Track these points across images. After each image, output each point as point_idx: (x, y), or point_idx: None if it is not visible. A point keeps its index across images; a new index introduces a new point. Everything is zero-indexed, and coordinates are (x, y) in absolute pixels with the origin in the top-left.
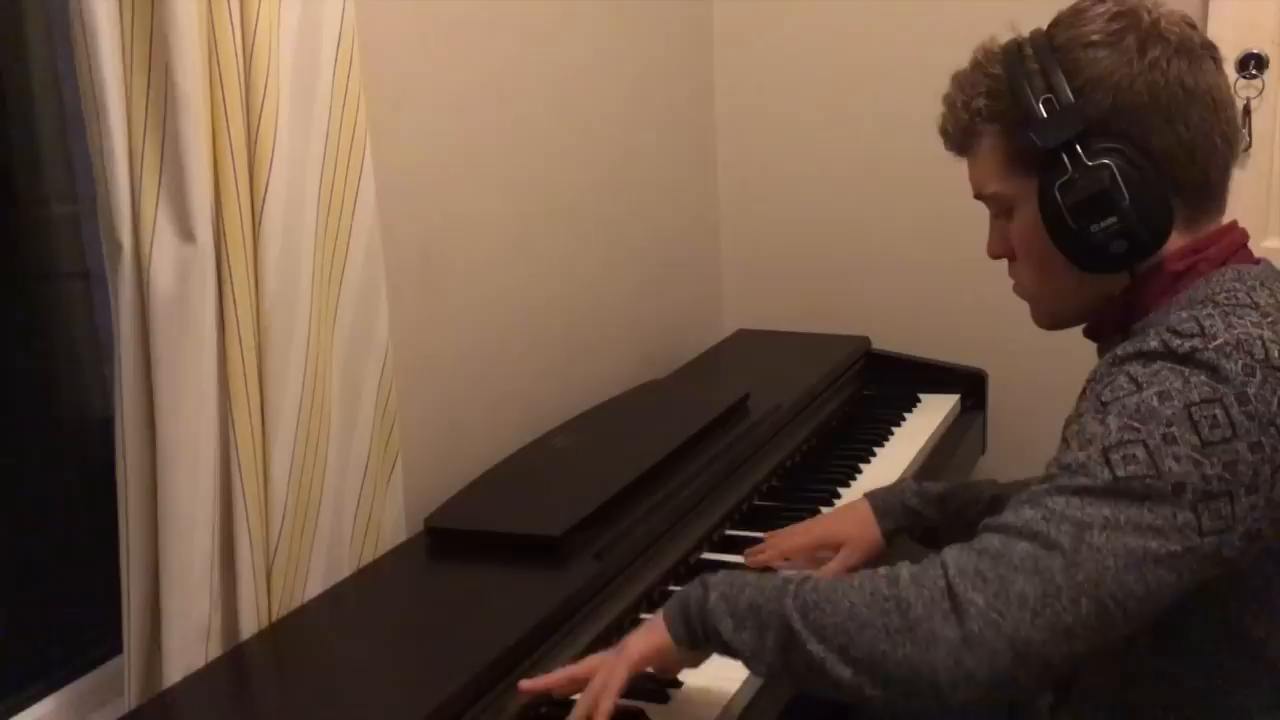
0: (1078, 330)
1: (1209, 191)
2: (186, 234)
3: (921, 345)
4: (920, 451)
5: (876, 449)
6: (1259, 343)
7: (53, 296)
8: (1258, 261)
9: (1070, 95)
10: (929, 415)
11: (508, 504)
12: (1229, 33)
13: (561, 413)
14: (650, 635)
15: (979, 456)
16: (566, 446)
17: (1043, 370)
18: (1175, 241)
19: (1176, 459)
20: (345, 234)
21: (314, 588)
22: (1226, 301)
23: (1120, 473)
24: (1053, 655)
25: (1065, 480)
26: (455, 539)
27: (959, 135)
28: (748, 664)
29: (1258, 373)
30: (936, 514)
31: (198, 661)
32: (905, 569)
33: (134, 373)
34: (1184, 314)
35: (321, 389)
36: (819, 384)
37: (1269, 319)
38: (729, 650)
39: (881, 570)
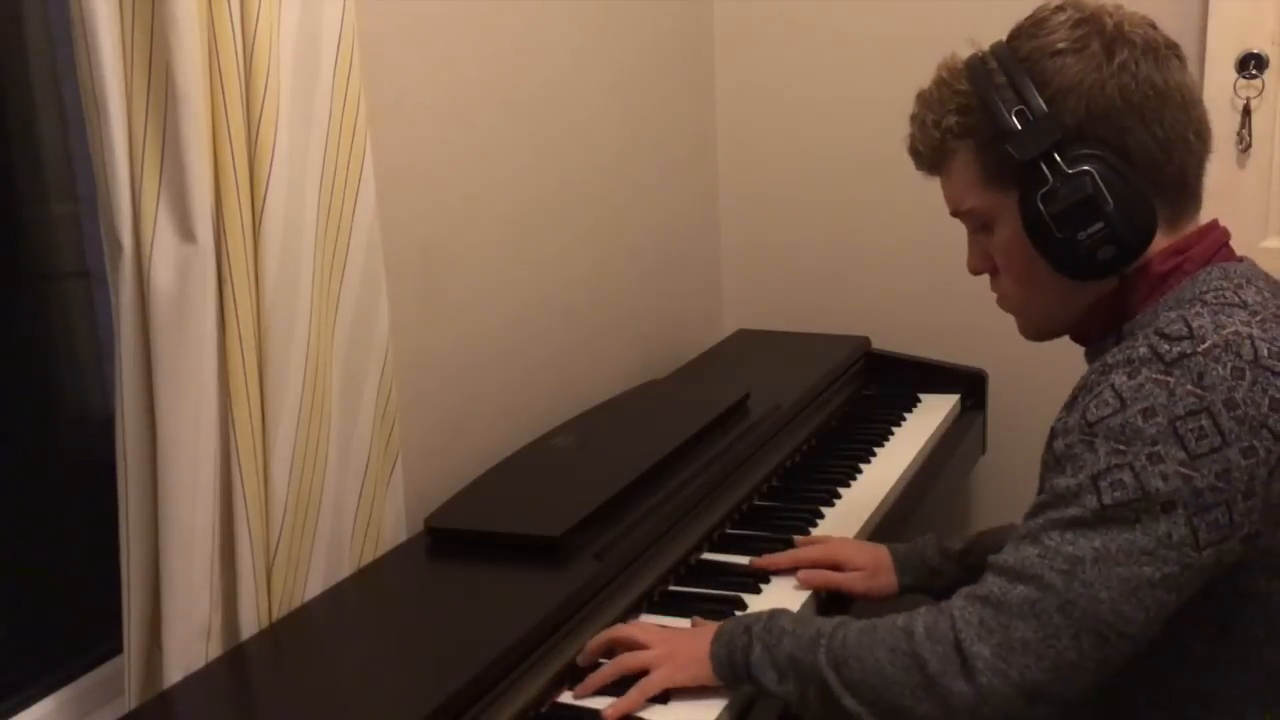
0: (1072, 340)
1: (1187, 190)
2: (186, 234)
3: (921, 345)
4: (920, 451)
5: (876, 449)
6: (1248, 342)
7: (53, 296)
8: (1240, 259)
9: (1043, 105)
10: (929, 415)
11: (508, 504)
12: (1229, 33)
13: (561, 413)
14: (698, 667)
15: (979, 456)
16: (566, 446)
17: (1043, 370)
18: (1159, 242)
19: (1164, 477)
20: (345, 234)
21: (314, 588)
22: (1215, 300)
23: (1107, 500)
24: (1064, 691)
25: (1058, 512)
26: (455, 539)
27: (931, 154)
28: (795, 710)
29: (1247, 374)
30: (957, 571)
31: (198, 661)
32: (920, 623)
33: (134, 373)
34: (1172, 314)
35: (321, 389)
36: (819, 384)
37: (1257, 317)
38: (775, 697)
39: (900, 622)
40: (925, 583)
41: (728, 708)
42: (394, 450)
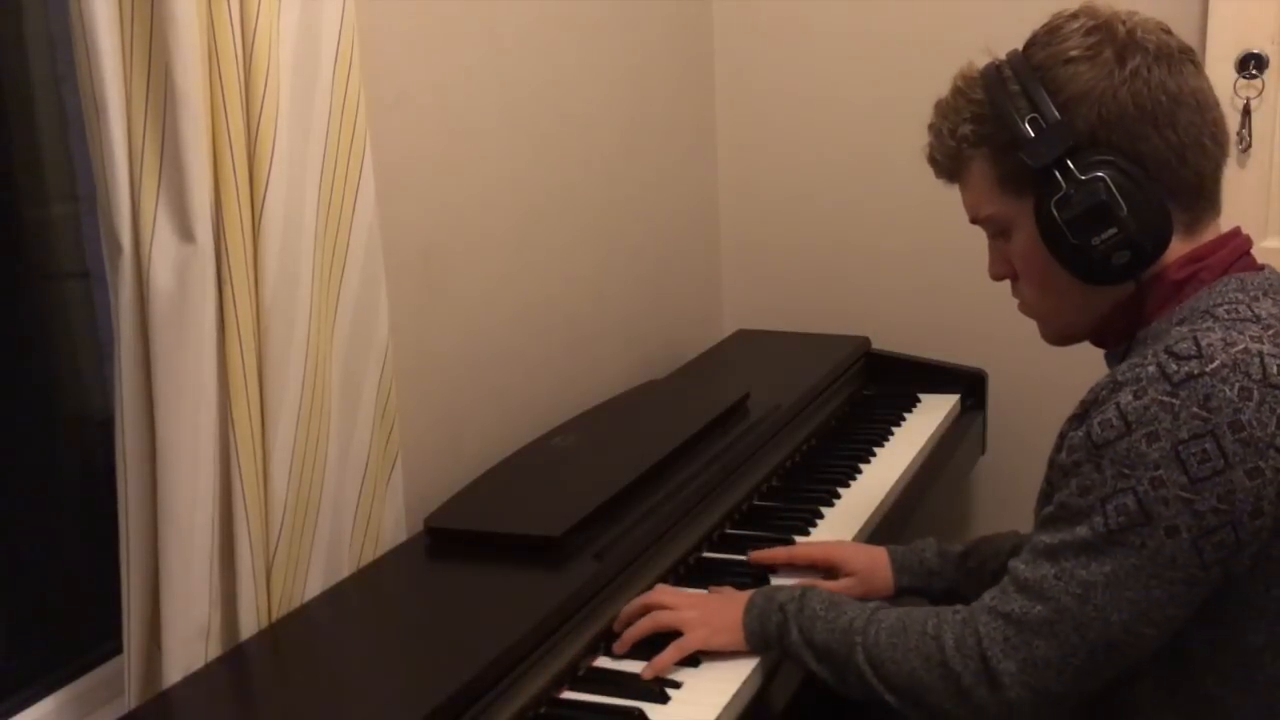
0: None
1: (1203, 194)
2: (186, 234)
3: (921, 345)
4: (920, 451)
5: (876, 449)
6: (1257, 360)
7: (53, 296)
8: (1261, 268)
9: (1056, 112)
10: (929, 415)
11: (508, 504)
12: (1229, 33)
13: (561, 413)
14: (731, 634)
15: (979, 456)
16: (566, 446)
17: (1043, 370)
18: (1177, 249)
19: (1165, 503)
20: (345, 234)
21: (314, 588)
22: (1227, 316)
23: (1114, 524)
24: (1084, 692)
25: (1070, 532)
26: (455, 539)
27: (948, 163)
28: (833, 688)
29: (1254, 394)
30: (956, 574)
31: (198, 661)
32: (949, 635)
33: (134, 373)
34: (1184, 329)
35: (321, 389)
36: (819, 384)
37: (1270, 331)
38: (811, 673)
39: (930, 629)
40: (923, 584)
41: (755, 670)
42: (394, 450)
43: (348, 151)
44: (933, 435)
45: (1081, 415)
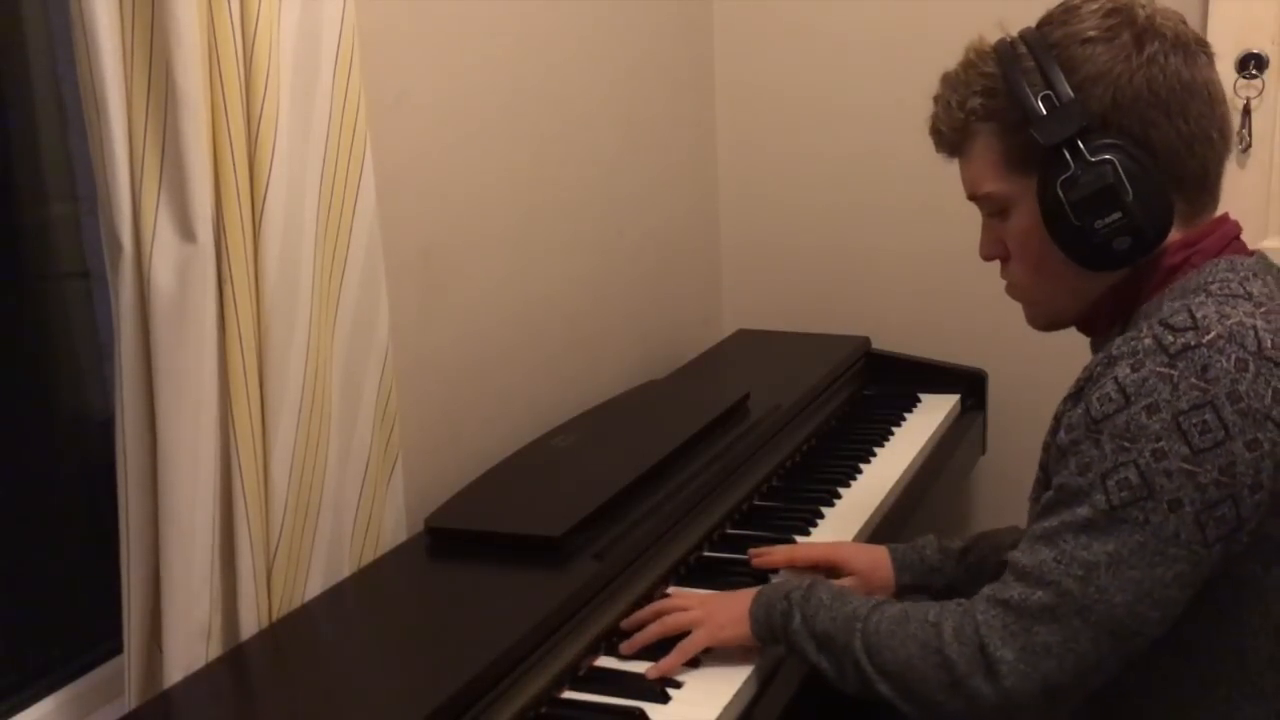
0: (1078, 330)
1: (1206, 185)
2: (186, 234)
3: (921, 345)
4: (920, 451)
5: (876, 449)
6: (1252, 333)
7: (53, 296)
8: (1251, 253)
9: (1070, 91)
10: (929, 415)
11: (508, 504)
12: (1229, 33)
13: (561, 413)
14: (737, 627)
15: (979, 456)
16: (566, 446)
17: (1043, 370)
18: (1172, 236)
19: (1168, 475)
20: (345, 234)
21: (314, 588)
22: (1220, 291)
23: (1115, 500)
24: (1086, 685)
25: (1070, 513)
26: (455, 539)
27: (953, 135)
28: (832, 682)
29: (1250, 366)
30: (957, 570)
31: (198, 661)
32: (949, 622)
33: (134, 373)
34: (1176, 304)
35: (321, 389)
36: (819, 384)
37: (1262, 308)
38: (812, 666)
39: (931, 616)
40: (924, 581)
41: (755, 670)
42: (394, 450)
43: (348, 151)
44: (933, 435)
45: (1077, 394)
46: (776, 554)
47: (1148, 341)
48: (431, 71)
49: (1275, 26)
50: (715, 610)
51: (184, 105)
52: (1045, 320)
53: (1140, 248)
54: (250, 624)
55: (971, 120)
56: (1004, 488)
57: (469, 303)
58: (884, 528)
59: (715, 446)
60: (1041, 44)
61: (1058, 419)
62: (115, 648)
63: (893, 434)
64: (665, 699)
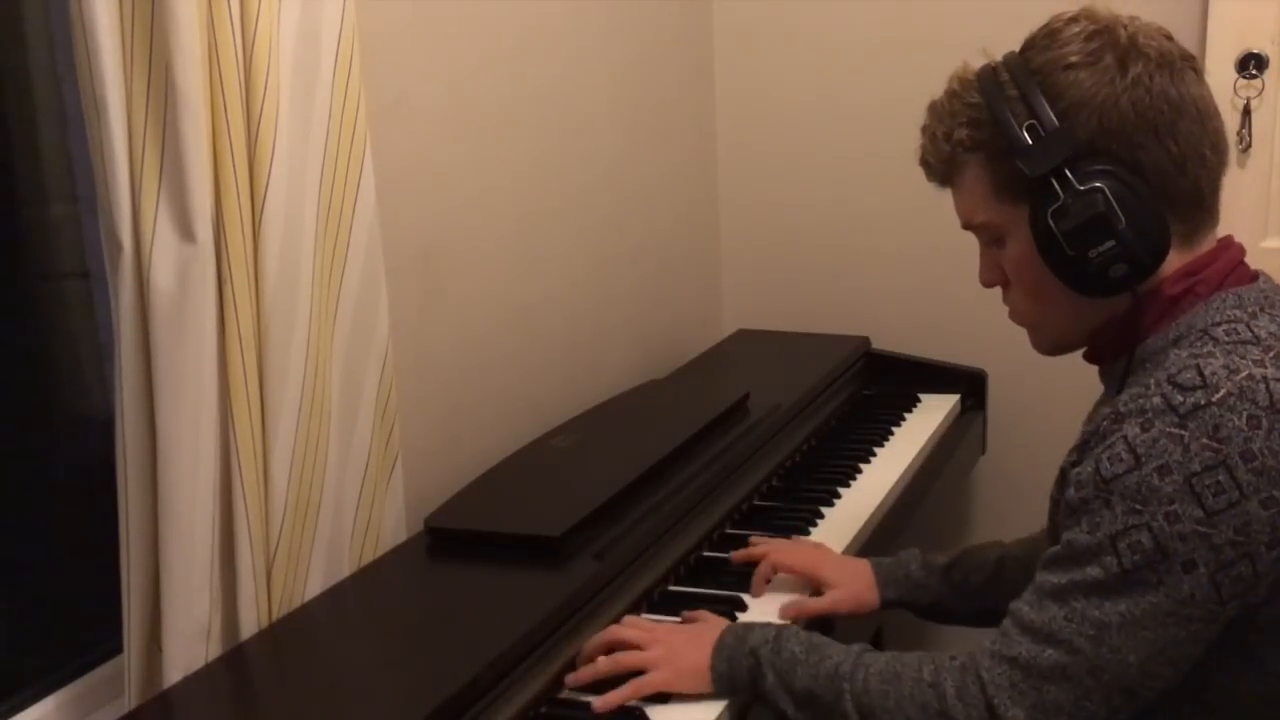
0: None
1: (1202, 205)
2: (186, 234)
3: (921, 345)
4: (920, 451)
5: (876, 449)
6: (1263, 386)
7: (53, 296)
8: (1255, 277)
9: (1054, 119)
10: (929, 415)
11: (508, 504)
12: (1229, 33)
13: (561, 413)
14: (696, 678)
15: (979, 456)
16: (566, 446)
17: (1043, 370)
18: (1173, 260)
19: (1182, 538)
20: (345, 234)
21: (314, 588)
22: (1227, 338)
23: (1127, 563)
24: None
25: (1080, 573)
26: (455, 539)
27: (941, 167)
28: None
29: (1263, 422)
30: (941, 586)
31: (198, 661)
32: (949, 683)
33: (134, 372)
34: (1183, 355)
35: (321, 389)
36: (819, 384)
37: (1271, 353)
38: None
39: (927, 676)
40: (909, 597)
41: (727, 708)
42: (394, 450)
43: (348, 152)
44: (933, 435)
45: (1083, 447)
46: (756, 550)
47: (1156, 401)
48: (431, 72)
49: (1275, 26)
50: (675, 653)
51: (184, 105)
52: (1049, 345)
53: (1138, 273)
54: (250, 624)
55: (959, 151)
56: (1004, 488)
57: (469, 303)
58: (884, 528)
59: (715, 446)
60: (1024, 71)
61: (1064, 474)
62: (115, 648)
63: (893, 434)
64: (665, 699)
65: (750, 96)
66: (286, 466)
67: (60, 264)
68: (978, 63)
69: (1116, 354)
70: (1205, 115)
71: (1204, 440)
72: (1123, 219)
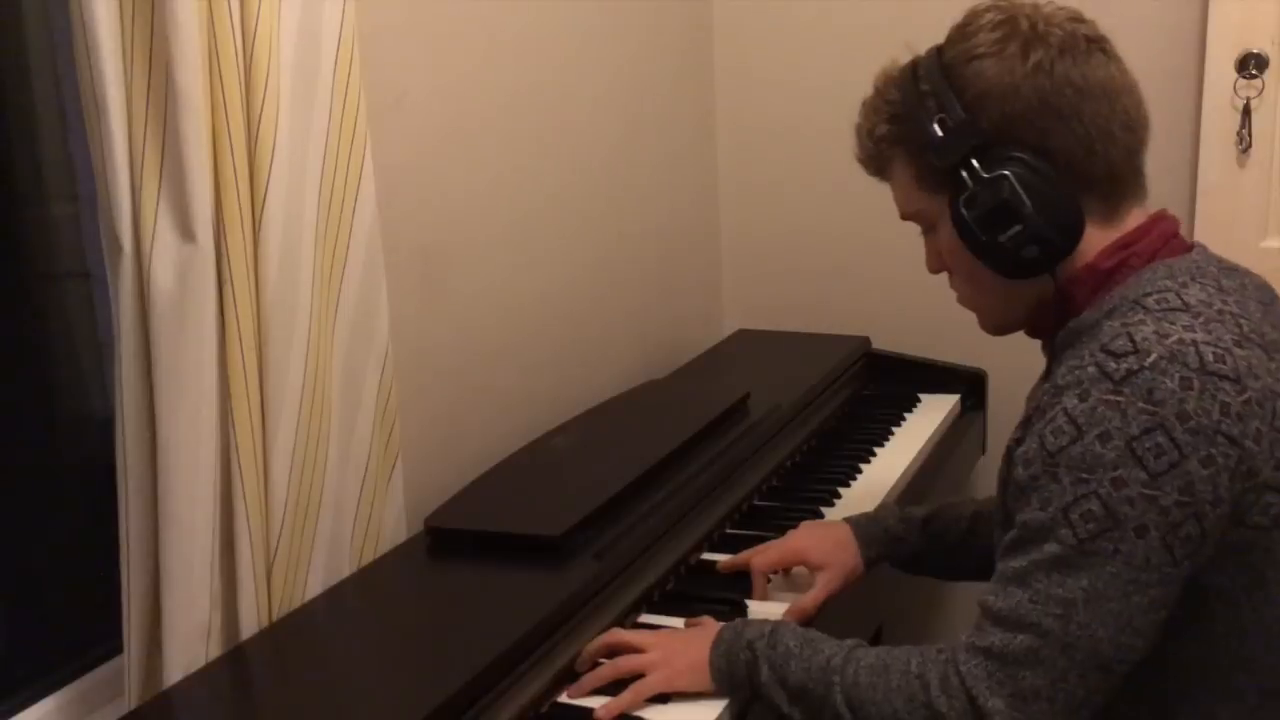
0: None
1: (1119, 182)
2: (186, 234)
3: (921, 345)
4: (920, 452)
5: (876, 449)
6: (1193, 349)
7: (53, 296)
8: (1190, 249)
9: (961, 112)
10: (929, 415)
11: (508, 504)
12: (1229, 33)
13: (561, 413)
14: (695, 675)
15: (979, 457)
16: (566, 446)
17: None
18: (1101, 237)
19: (1130, 502)
20: (345, 234)
21: (314, 588)
22: (1157, 306)
23: (1082, 533)
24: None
25: (1038, 551)
26: (455, 539)
27: (872, 162)
28: None
29: (1195, 383)
30: (919, 539)
31: (198, 661)
32: (933, 673)
33: (134, 373)
34: (1115, 324)
35: (321, 389)
36: (819, 384)
37: (1200, 318)
38: (783, 717)
39: (913, 667)
40: (888, 551)
41: (726, 708)
42: (394, 450)
43: (348, 152)
44: (933, 435)
45: (1025, 425)
46: (739, 560)
47: (1091, 370)
48: (431, 71)
49: (1275, 26)
50: (673, 654)
51: (184, 105)
52: (993, 326)
53: (1052, 254)
54: (250, 624)
55: (884, 147)
56: None
57: (469, 302)
58: None
59: (715, 446)
60: (936, 66)
61: (1009, 453)
62: (115, 648)
63: (893, 434)
64: (665, 699)
65: (750, 95)
66: (286, 466)
67: (60, 264)
68: (905, 59)
69: (1056, 330)
70: (1113, 94)
71: (1140, 404)
72: (1028, 203)
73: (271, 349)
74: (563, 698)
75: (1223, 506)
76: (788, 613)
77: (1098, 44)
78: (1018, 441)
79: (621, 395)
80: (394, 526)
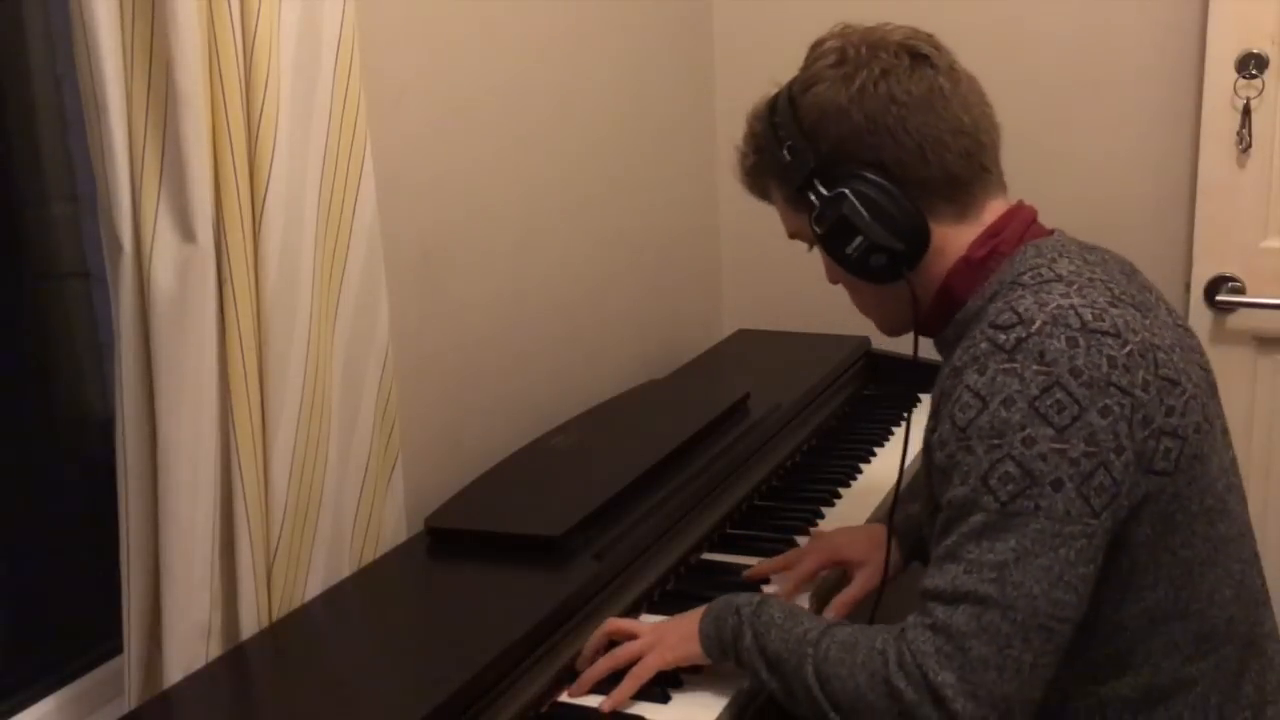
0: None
1: (960, 182)
2: (186, 234)
3: (921, 345)
4: (920, 452)
5: (876, 449)
6: (1072, 312)
7: (53, 296)
8: (1051, 232)
9: (801, 137)
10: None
11: (508, 504)
12: (1229, 33)
13: (561, 413)
14: (687, 645)
15: None
16: (566, 446)
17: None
18: (962, 232)
19: (1043, 458)
20: (345, 234)
21: (314, 588)
22: (1032, 281)
23: (1003, 496)
24: (1031, 691)
25: (965, 524)
26: (455, 539)
27: (753, 189)
28: (781, 702)
29: (1080, 341)
30: None
31: (198, 661)
32: (893, 650)
33: (134, 373)
34: (999, 304)
35: (321, 389)
36: (819, 384)
37: (1074, 286)
38: (761, 684)
39: (878, 644)
40: (919, 545)
41: (727, 708)
42: (394, 450)
43: (348, 151)
44: None
45: (936, 412)
46: (775, 564)
47: (984, 345)
48: (432, 71)
49: (1275, 26)
50: (664, 633)
51: (184, 105)
52: (886, 328)
53: (900, 258)
54: (250, 624)
55: (755, 175)
56: None
57: (469, 303)
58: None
59: (715, 446)
60: (786, 97)
61: (927, 444)
62: (115, 648)
63: (893, 434)
64: (665, 699)
65: (750, 96)
66: (286, 466)
67: (60, 264)
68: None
69: (943, 324)
70: (941, 101)
71: (1034, 367)
72: (865, 215)
73: (271, 349)
74: (563, 697)
75: (1126, 454)
76: (828, 610)
77: (926, 60)
78: (932, 430)
79: (621, 395)
80: (394, 526)
